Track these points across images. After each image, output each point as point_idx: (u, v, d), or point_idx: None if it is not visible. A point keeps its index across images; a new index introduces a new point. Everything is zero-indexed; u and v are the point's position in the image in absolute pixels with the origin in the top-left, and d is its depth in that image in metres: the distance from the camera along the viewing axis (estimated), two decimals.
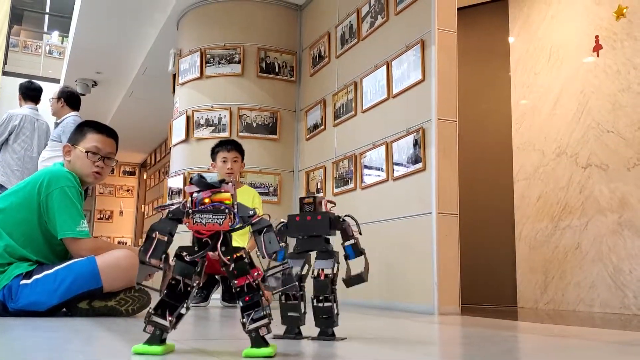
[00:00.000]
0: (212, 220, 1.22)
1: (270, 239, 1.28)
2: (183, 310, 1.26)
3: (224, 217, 1.22)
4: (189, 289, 1.25)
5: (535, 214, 4.64)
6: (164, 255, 1.27)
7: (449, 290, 3.30)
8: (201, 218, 1.22)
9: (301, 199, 1.70)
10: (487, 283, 4.84)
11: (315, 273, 1.65)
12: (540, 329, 2.55)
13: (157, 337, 1.24)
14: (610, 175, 4.10)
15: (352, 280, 1.67)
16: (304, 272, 1.67)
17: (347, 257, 1.69)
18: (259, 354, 1.20)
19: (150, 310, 1.25)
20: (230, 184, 1.26)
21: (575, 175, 4.35)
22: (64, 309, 2.39)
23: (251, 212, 1.28)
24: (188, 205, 1.24)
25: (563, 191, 4.43)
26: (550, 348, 1.73)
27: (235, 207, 1.25)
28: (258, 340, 1.21)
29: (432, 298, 3.30)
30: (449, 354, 1.63)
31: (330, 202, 1.72)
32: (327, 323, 1.65)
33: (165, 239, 1.28)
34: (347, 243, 1.69)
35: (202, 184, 1.24)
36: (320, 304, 1.63)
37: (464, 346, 1.79)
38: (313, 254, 1.70)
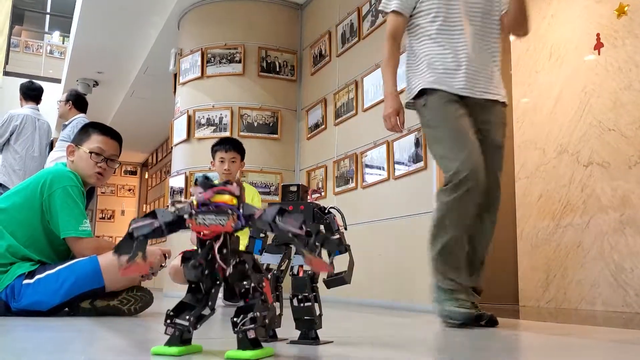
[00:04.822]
0: (215, 222, 1.17)
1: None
2: (206, 312, 1.22)
3: (227, 218, 1.17)
4: (207, 291, 1.22)
5: (537, 213, 4.64)
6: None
7: None
8: (204, 219, 1.18)
9: (284, 186, 1.59)
10: (488, 281, 4.80)
11: (295, 270, 1.49)
12: (542, 327, 2.55)
13: (177, 338, 1.20)
14: (612, 174, 4.09)
15: (332, 282, 1.50)
16: (282, 268, 1.54)
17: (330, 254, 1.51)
18: (240, 356, 1.14)
19: (170, 312, 1.21)
20: (235, 184, 1.21)
21: (577, 173, 4.34)
22: (67, 309, 2.40)
23: (253, 212, 1.22)
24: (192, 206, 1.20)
25: (564, 189, 4.43)
26: (552, 347, 1.73)
27: (241, 208, 1.20)
28: (244, 342, 1.16)
29: None
30: (448, 353, 1.62)
31: (316, 191, 1.61)
32: (308, 325, 1.48)
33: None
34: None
35: (206, 185, 1.20)
36: (300, 304, 1.47)
37: (463, 346, 1.79)
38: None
